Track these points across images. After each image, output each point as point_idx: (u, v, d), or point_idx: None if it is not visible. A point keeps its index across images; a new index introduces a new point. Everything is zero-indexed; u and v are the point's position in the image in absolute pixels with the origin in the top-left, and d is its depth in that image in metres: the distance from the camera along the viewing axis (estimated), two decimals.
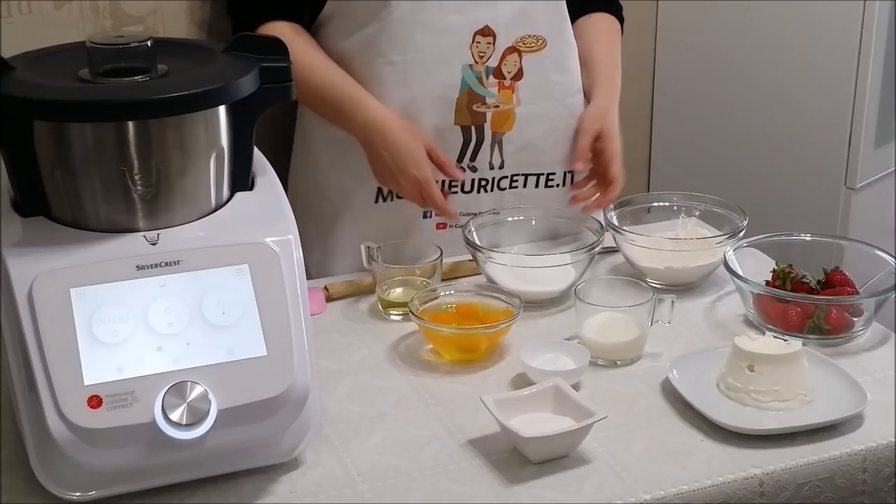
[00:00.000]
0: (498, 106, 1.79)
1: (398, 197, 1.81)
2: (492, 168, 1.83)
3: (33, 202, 1.22)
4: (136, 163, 1.19)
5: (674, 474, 1.26)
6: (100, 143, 1.18)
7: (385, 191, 1.81)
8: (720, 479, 1.26)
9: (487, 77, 1.77)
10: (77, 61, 1.23)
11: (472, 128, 1.79)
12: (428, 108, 1.76)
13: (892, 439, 1.33)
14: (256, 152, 1.32)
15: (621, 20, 1.96)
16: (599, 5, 1.93)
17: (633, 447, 1.31)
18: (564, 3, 1.80)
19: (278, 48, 1.27)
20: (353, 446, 1.32)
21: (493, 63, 1.76)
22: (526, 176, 1.86)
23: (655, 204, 1.86)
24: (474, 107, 1.78)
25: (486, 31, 1.74)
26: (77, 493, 1.19)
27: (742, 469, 1.27)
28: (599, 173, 1.80)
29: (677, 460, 1.29)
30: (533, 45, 1.78)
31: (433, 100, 1.76)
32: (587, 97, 1.87)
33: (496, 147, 1.82)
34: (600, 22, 1.92)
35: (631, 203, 1.82)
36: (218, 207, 1.27)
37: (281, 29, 1.75)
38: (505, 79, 1.78)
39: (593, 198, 1.81)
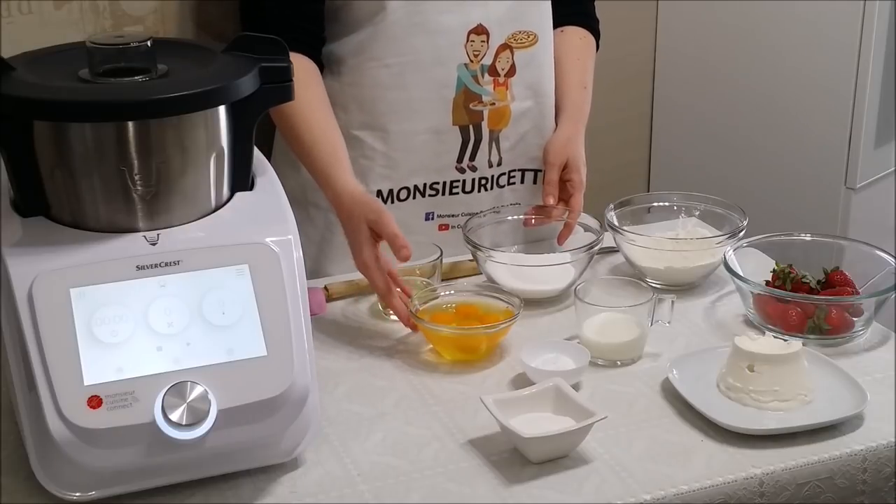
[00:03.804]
0: (494, 103, 1.79)
1: (399, 199, 1.80)
2: (490, 166, 1.83)
3: (33, 202, 1.22)
4: (136, 163, 1.19)
5: (674, 474, 1.26)
6: (100, 143, 1.18)
7: (385, 193, 1.80)
8: (720, 479, 1.26)
9: (483, 75, 1.76)
10: (77, 61, 1.23)
11: (470, 127, 1.79)
12: (425, 109, 1.76)
13: (892, 439, 1.33)
14: (256, 152, 1.32)
15: (597, 35, 1.93)
16: (577, 19, 1.90)
17: (633, 447, 1.31)
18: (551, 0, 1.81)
19: (278, 48, 1.27)
20: (353, 446, 1.32)
21: (487, 61, 1.76)
22: (523, 171, 1.86)
23: (655, 204, 1.86)
24: (471, 105, 1.78)
25: (480, 30, 1.74)
26: (77, 494, 1.19)
27: (742, 469, 1.27)
28: (564, 201, 1.79)
29: (677, 460, 1.29)
30: (524, 40, 1.78)
31: (429, 101, 1.75)
32: (555, 119, 1.85)
33: (493, 145, 1.82)
34: (573, 38, 1.89)
35: (631, 203, 1.82)
36: (218, 207, 1.26)
37: (296, 66, 1.51)
38: (499, 76, 1.78)
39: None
